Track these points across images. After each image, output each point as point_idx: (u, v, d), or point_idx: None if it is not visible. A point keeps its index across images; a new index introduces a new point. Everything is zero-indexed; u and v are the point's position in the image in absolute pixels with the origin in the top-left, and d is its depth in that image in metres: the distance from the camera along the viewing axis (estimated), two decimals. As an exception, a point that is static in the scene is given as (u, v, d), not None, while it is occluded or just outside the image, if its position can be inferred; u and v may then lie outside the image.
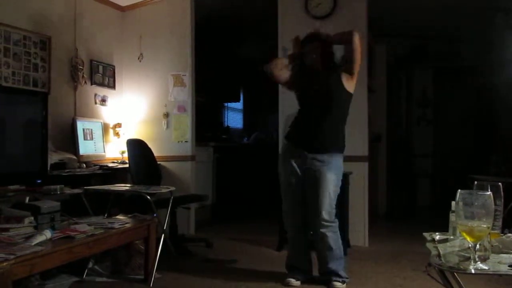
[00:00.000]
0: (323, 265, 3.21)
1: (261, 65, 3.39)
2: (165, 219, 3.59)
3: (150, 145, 4.18)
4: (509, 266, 1.47)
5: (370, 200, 4.57)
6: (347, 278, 3.20)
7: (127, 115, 5.11)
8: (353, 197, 4.33)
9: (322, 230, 3.12)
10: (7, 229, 2.49)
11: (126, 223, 3.06)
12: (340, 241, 3.21)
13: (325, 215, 3.11)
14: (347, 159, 4.18)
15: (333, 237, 3.15)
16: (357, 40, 3.12)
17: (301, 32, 3.37)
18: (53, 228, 2.64)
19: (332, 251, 3.15)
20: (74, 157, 4.13)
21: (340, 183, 3.23)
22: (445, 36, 6.58)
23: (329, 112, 3.17)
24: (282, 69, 3.30)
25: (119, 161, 4.76)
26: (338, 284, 3.13)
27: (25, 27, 3.95)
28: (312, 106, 3.22)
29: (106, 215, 3.41)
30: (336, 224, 3.17)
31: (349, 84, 3.22)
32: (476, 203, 1.43)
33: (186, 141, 4.94)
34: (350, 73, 3.20)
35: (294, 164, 3.21)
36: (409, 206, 6.69)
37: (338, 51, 3.31)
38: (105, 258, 3.47)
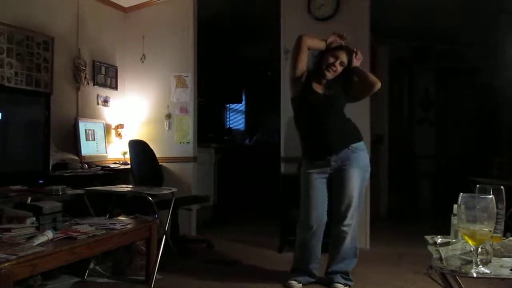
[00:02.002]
0: (334, 263, 3.21)
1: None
2: (166, 220, 3.60)
3: (152, 146, 4.18)
4: (510, 269, 1.46)
5: (371, 201, 4.55)
6: (352, 281, 3.21)
7: (129, 116, 5.11)
8: (354, 199, 4.32)
9: (343, 228, 3.15)
10: (9, 230, 2.49)
11: (128, 224, 3.06)
12: (357, 241, 3.26)
13: (349, 215, 3.14)
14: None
15: (352, 236, 3.19)
16: (377, 88, 3.20)
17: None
18: (55, 229, 2.64)
19: (349, 250, 3.19)
20: (76, 157, 4.14)
21: (367, 176, 3.25)
22: (447, 37, 6.58)
23: (330, 113, 3.18)
24: (308, 49, 3.24)
25: (121, 162, 4.76)
26: (340, 286, 3.14)
27: (28, 27, 3.95)
28: (315, 116, 3.20)
29: (107, 216, 3.41)
30: (356, 223, 3.22)
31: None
32: (478, 207, 1.43)
33: (188, 142, 4.94)
34: (350, 101, 3.31)
35: (320, 173, 3.20)
36: (410, 208, 6.68)
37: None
38: (107, 259, 3.47)
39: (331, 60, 3.17)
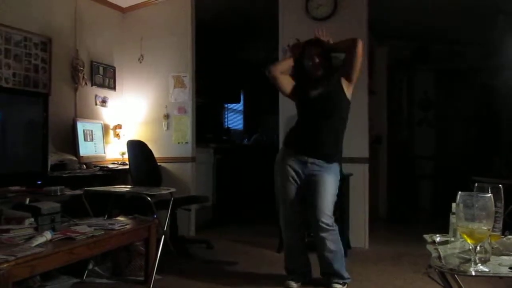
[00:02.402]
0: (324, 267, 3.21)
1: (262, 68, 3.38)
2: (165, 220, 3.59)
3: (150, 146, 4.18)
4: (509, 268, 1.46)
5: (370, 201, 4.56)
6: (349, 278, 3.20)
7: (128, 116, 5.11)
8: (353, 199, 4.33)
9: (323, 234, 3.11)
10: (7, 230, 2.49)
11: (127, 224, 3.06)
12: (340, 243, 3.20)
13: (325, 219, 3.10)
14: (348, 160, 4.20)
15: (333, 239, 3.14)
16: (360, 48, 3.12)
17: (302, 34, 3.37)
18: (53, 229, 2.64)
19: (333, 253, 3.14)
20: (75, 158, 4.13)
21: (337, 189, 3.23)
22: (447, 38, 6.58)
23: (330, 117, 3.17)
24: (284, 73, 3.29)
25: (120, 162, 4.76)
26: (338, 286, 3.13)
27: (26, 28, 3.95)
28: (313, 112, 3.20)
29: (106, 216, 3.40)
30: (335, 227, 3.16)
31: (348, 91, 3.22)
32: (476, 205, 1.43)
33: (186, 143, 4.94)
34: (349, 79, 3.20)
35: (291, 170, 3.20)
36: (410, 208, 6.69)
37: (338, 57, 3.29)
38: (106, 260, 3.47)
39: (309, 62, 3.20)
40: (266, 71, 3.28)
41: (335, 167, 3.21)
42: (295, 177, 3.20)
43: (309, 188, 3.17)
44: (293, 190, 3.21)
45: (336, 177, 3.20)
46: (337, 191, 3.22)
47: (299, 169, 3.19)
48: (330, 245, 3.12)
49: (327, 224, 3.10)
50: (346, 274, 3.20)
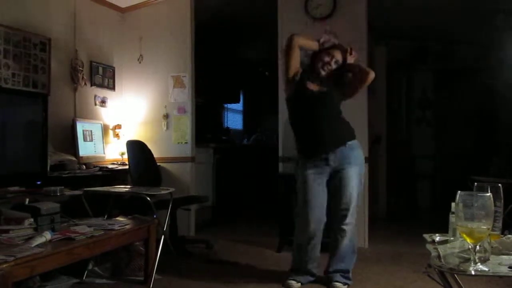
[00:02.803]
0: (334, 262, 3.22)
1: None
2: (165, 220, 3.59)
3: (150, 146, 4.17)
4: (509, 267, 1.46)
5: (370, 201, 4.56)
6: (351, 281, 3.21)
7: (127, 117, 5.11)
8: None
9: (343, 226, 3.17)
10: (7, 231, 2.49)
11: (126, 224, 3.05)
12: (357, 240, 3.30)
13: (349, 216, 3.16)
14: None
15: (353, 233, 3.22)
16: (369, 82, 3.20)
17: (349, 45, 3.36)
18: (53, 230, 2.64)
19: (348, 248, 3.20)
20: (74, 158, 4.13)
21: (363, 173, 3.28)
22: (445, 38, 6.59)
23: (324, 109, 3.18)
24: (301, 47, 3.25)
25: (119, 163, 4.76)
26: (339, 284, 3.14)
27: (25, 28, 3.94)
28: (309, 113, 3.20)
29: (106, 216, 3.40)
30: (355, 221, 3.24)
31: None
32: (476, 205, 1.43)
33: (186, 143, 4.94)
34: (347, 96, 3.29)
35: (316, 172, 3.20)
36: (409, 208, 6.69)
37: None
38: (105, 260, 3.47)
39: (327, 59, 3.20)
40: (288, 38, 3.24)
41: (358, 153, 3.22)
42: (321, 177, 3.20)
43: (335, 183, 3.19)
44: (321, 190, 3.21)
45: (360, 166, 3.22)
46: (362, 180, 3.27)
47: (324, 169, 3.19)
48: (348, 238, 3.18)
49: (351, 222, 3.18)
50: (350, 275, 3.23)
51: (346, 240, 3.19)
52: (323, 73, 3.22)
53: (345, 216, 3.16)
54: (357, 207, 3.26)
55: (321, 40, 3.29)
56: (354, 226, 3.23)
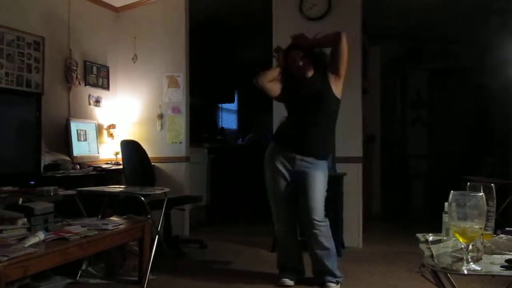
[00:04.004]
0: (317, 265, 3.21)
1: (256, 68, 3.39)
2: (159, 220, 3.59)
3: (144, 146, 4.17)
4: (501, 266, 1.47)
5: (364, 201, 4.57)
6: (341, 277, 3.21)
7: (121, 116, 5.09)
8: (347, 198, 4.34)
9: (315, 230, 3.13)
10: (0, 231, 2.48)
11: (120, 224, 3.05)
12: (332, 240, 3.22)
13: (316, 216, 3.12)
14: (341, 160, 4.22)
15: (326, 236, 3.16)
16: (344, 41, 3.11)
17: (296, 33, 3.36)
18: (46, 230, 2.63)
19: (326, 251, 3.16)
20: (68, 158, 4.12)
21: (326, 185, 3.24)
22: (440, 38, 6.61)
23: (318, 115, 3.17)
24: (272, 81, 3.30)
25: (113, 162, 4.74)
26: (332, 285, 3.14)
27: (19, 27, 3.93)
28: (301, 111, 3.20)
29: (100, 216, 3.39)
30: (327, 223, 3.18)
31: (337, 88, 3.21)
32: (468, 204, 1.43)
33: (180, 142, 4.93)
34: (337, 74, 3.19)
35: (281, 166, 3.21)
36: (403, 207, 6.71)
37: (326, 53, 3.29)
38: (99, 260, 3.46)
39: (293, 66, 3.21)
40: (254, 82, 3.30)
41: (323, 163, 3.23)
42: (285, 172, 3.21)
43: (299, 186, 3.18)
44: (283, 185, 3.22)
45: (324, 172, 3.22)
46: (327, 187, 3.24)
47: (288, 165, 3.20)
48: (322, 241, 3.14)
49: (319, 221, 3.12)
50: (338, 272, 3.20)
51: (321, 240, 3.14)
52: (306, 75, 3.21)
53: (313, 219, 3.12)
54: (324, 210, 3.20)
55: (275, 57, 3.38)
56: (327, 228, 3.18)
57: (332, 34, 3.15)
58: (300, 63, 3.19)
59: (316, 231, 3.13)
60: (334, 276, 3.18)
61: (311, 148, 3.18)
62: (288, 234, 3.31)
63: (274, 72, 3.34)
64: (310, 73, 3.22)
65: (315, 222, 3.11)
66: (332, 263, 3.19)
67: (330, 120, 3.25)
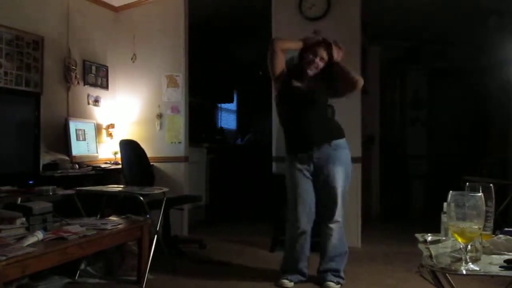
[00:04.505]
0: (327, 262, 3.22)
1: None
2: (158, 220, 3.58)
3: (143, 146, 4.17)
4: (500, 267, 1.47)
5: (363, 201, 4.57)
6: (344, 279, 3.22)
7: (120, 116, 5.09)
8: (346, 198, 4.32)
9: (331, 225, 3.18)
10: (-2, 230, 2.48)
11: (119, 224, 3.05)
12: (345, 239, 3.27)
13: (336, 214, 3.17)
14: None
15: (340, 234, 3.22)
16: (358, 90, 3.24)
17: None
18: (45, 229, 2.63)
19: (337, 248, 3.20)
20: (67, 158, 4.11)
21: (349, 173, 3.26)
22: (439, 38, 6.62)
23: (311, 108, 3.18)
24: (284, 50, 3.27)
25: (112, 162, 4.74)
26: (332, 284, 3.14)
27: (18, 27, 3.92)
28: (296, 110, 3.21)
29: (98, 216, 3.39)
30: (343, 223, 3.23)
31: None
32: (467, 204, 1.43)
33: (179, 142, 4.93)
34: (332, 95, 3.29)
35: (299, 172, 3.21)
36: (402, 207, 6.71)
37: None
38: (98, 259, 3.45)
39: (311, 57, 3.20)
40: (270, 42, 3.26)
41: (343, 153, 3.21)
42: (307, 174, 3.22)
43: (320, 181, 3.20)
44: (309, 187, 3.22)
45: (345, 165, 3.22)
46: (349, 179, 3.27)
47: (308, 166, 3.20)
48: (336, 238, 3.18)
49: (338, 220, 3.18)
50: (343, 274, 3.23)
51: (334, 239, 3.19)
52: (310, 72, 3.22)
53: (331, 215, 3.16)
54: (345, 208, 3.24)
55: (303, 37, 3.30)
56: (342, 225, 3.22)
57: (354, 76, 3.17)
58: (318, 61, 3.19)
59: (332, 225, 3.18)
60: (339, 277, 3.19)
61: (319, 138, 3.17)
62: (301, 238, 3.26)
63: (293, 44, 3.30)
64: (312, 73, 3.22)
65: (333, 220, 3.16)
66: (341, 263, 3.23)
67: (324, 109, 3.29)
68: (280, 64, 3.28)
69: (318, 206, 3.25)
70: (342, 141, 3.25)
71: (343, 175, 3.20)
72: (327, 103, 3.31)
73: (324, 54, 3.19)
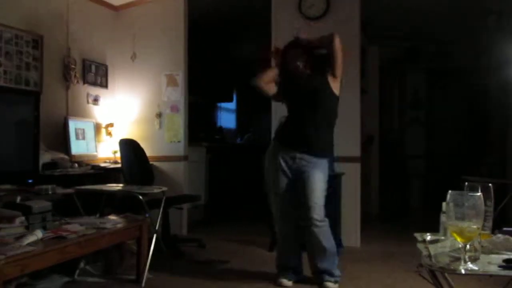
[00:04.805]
0: (315, 264, 3.22)
1: (255, 67, 3.40)
2: (157, 219, 3.59)
3: (142, 145, 4.17)
4: (499, 266, 1.48)
5: (362, 200, 4.58)
6: (339, 276, 3.21)
7: (120, 115, 5.09)
8: (345, 198, 4.35)
9: (313, 229, 3.13)
10: (-2, 229, 2.48)
11: (118, 223, 3.05)
12: (332, 239, 3.22)
13: (315, 215, 3.12)
14: (339, 159, 4.21)
15: (325, 235, 3.16)
16: (337, 43, 3.12)
17: (294, 33, 3.36)
18: (44, 228, 2.63)
19: (325, 250, 3.16)
20: (66, 156, 4.11)
21: (326, 184, 3.24)
22: (438, 38, 6.62)
23: (317, 112, 3.18)
24: (269, 82, 3.32)
25: (112, 161, 4.74)
26: (330, 284, 3.14)
27: (17, 25, 3.92)
28: (300, 108, 3.23)
29: (98, 215, 3.39)
30: (327, 222, 3.19)
31: (335, 86, 3.23)
32: (466, 204, 1.44)
33: (178, 141, 4.93)
34: (334, 75, 3.22)
35: (282, 162, 3.22)
36: (401, 207, 6.72)
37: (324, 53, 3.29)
38: (97, 258, 3.46)
39: (291, 67, 3.24)
40: (251, 83, 3.32)
41: (323, 163, 3.23)
42: (286, 170, 3.22)
43: (299, 185, 3.19)
44: (284, 182, 3.23)
45: (324, 172, 3.22)
46: (327, 186, 3.24)
47: (290, 162, 3.21)
48: (321, 240, 3.14)
49: (317, 220, 3.13)
50: (337, 272, 3.21)
51: (321, 239, 3.14)
52: (304, 73, 3.23)
53: (311, 217, 3.13)
54: (323, 209, 3.20)
55: (272, 57, 3.41)
56: (326, 227, 3.18)
57: (326, 36, 3.17)
58: (299, 62, 3.21)
59: (315, 230, 3.13)
60: (332, 275, 3.18)
61: (310, 145, 3.18)
62: (289, 234, 3.30)
63: (271, 73, 3.36)
64: (306, 72, 3.24)
65: (314, 220, 3.12)
66: (330, 263, 3.19)
67: (328, 118, 3.25)
68: (272, 90, 3.34)
69: (299, 207, 3.22)
70: (327, 160, 3.26)
71: (321, 178, 3.18)
72: (334, 97, 3.25)
73: (295, 52, 3.23)
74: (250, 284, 3.29)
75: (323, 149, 3.25)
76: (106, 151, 4.89)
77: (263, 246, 4.33)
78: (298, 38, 3.27)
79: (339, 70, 3.20)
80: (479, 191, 1.52)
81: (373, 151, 6.43)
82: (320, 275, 3.19)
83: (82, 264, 3.37)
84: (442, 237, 1.88)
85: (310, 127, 3.18)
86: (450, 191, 1.48)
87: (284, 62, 3.29)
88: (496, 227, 1.85)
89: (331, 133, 3.29)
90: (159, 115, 4.98)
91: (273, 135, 4.53)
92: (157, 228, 3.54)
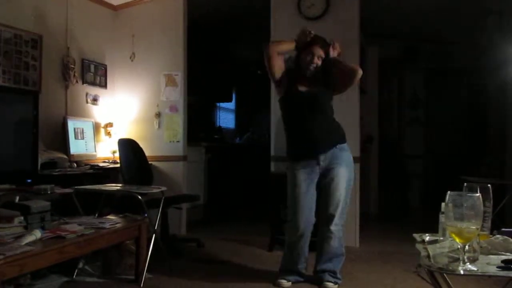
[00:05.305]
0: (324, 263, 3.22)
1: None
2: (156, 219, 3.58)
3: (141, 145, 4.16)
4: (497, 267, 1.48)
5: (361, 200, 4.58)
6: (340, 280, 3.22)
7: (119, 115, 5.09)
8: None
9: (332, 228, 3.16)
10: (-4, 229, 2.48)
11: (117, 223, 3.05)
12: (343, 241, 3.26)
13: (337, 217, 3.15)
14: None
15: (339, 236, 3.21)
16: (358, 79, 3.21)
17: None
18: (43, 228, 2.62)
19: (334, 252, 3.20)
20: (65, 156, 4.10)
21: (352, 175, 3.27)
22: (437, 38, 6.62)
23: (316, 111, 3.19)
24: (281, 55, 3.28)
25: (110, 161, 4.74)
26: (330, 284, 3.14)
27: (16, 25, 3.91)
28: (299, 108, 3.22)
29: (97, 215, 3.39)
30: (343, 225, 3.23)
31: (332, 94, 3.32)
32: (465, 205, 1.44)
33: (178, 141, 4.93)
34: (337, 93, 3.32)
35: (301, 174, 3.19)
36: (400, 207, 6.72)
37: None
38: (96, 258, 3.46)
39: (308, 58, 3.20)
40: (264, 48, 3.26)
41: (347, 155, 3.23)
42: (310, 176, 3.20)
43: (324, 183, 3.19)
44: (310, 189, 3.20)
45: (349, 167, 3.23)
46: (353, 178, 3.27)
47: (312, 169, 3.19)
48: (335, 240, 3.17)
49: (338, 218, 3.16)
50: (340, 275, 3.23)
51: (334, 241, 3.18)
52: (309, 72, 3.22)
53: (333, 217, 3.16)
54: (346, 209, 3.24)
55: (296, 38, 3.28)
56: (342, 227, 3.22)
57: (351, 66, 3.23)
58: (315, 60, 3.19)
59: (333, 228, 3.16)
60: (335, 277, 3.19)
61: (323, 142, 3.17)
62: (301, 240, 3.24)
63: (288, 46, 3.29)
64: (310, 73, 3.23)
65: (334, 219, 3.15)
66: (335, 264, 3.22)
67: (327, 111, 3.27)
68: (279, 67, 3.28)
69: (319, 208, 3.23)
70: (345, 145, 3.27)
71: (347, 177, 3.19)
72: (331, 102, 3.30)
73: (321, 52, 3.20)
74: (249, 284, 3.28)
75: (337, 140, 3.23)
76: (105, 151, 4.88)
77: (263, 246, 4.33)
78: (333, 43, 3.24)
79: (341, 92, 3.33)
80: (478, 191, 1.52)
81: (372, 151, 6.43)
82: (322, 275, 3.20)
83: (81, 264, 3.37)
84: (441, 238, 1.88)
85: (317, 129, 3.17)
86: (449, 192, 1.48)
87: (302, 50, 3.24)
88: (495, 228, 1.85)
89: (335, 121, 3.29)
90: (158, 115, 4.98)
91: (273, 136, 4.56)
92: (156, 228, 3.54)
